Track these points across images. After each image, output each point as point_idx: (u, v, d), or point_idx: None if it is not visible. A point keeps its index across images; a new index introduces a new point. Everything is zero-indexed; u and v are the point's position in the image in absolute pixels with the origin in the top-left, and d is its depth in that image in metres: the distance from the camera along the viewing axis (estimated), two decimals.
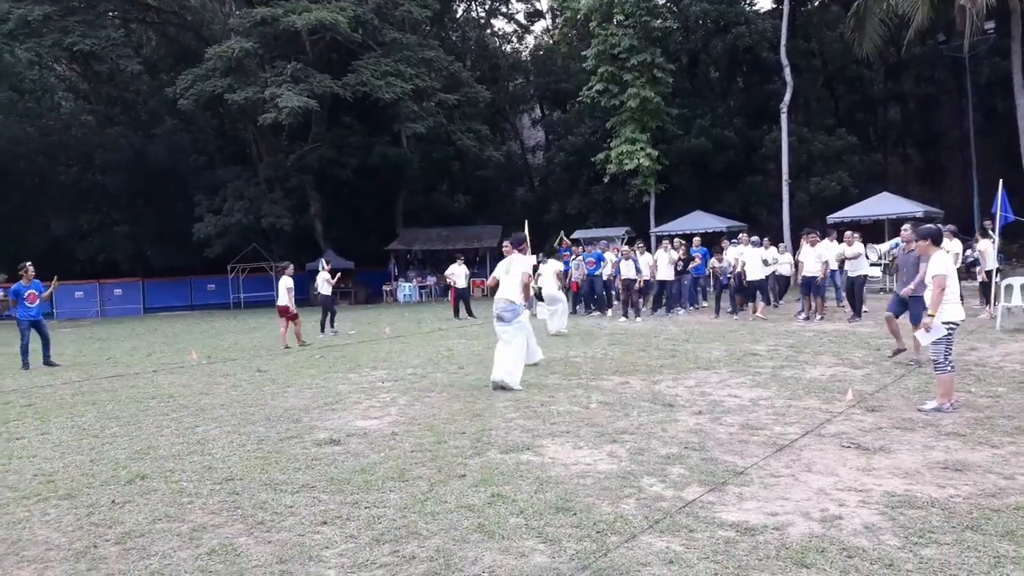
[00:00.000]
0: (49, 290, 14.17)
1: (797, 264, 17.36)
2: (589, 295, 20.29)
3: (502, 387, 8.86)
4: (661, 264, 18.48)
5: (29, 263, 13.71)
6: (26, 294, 13.30)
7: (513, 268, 9.41)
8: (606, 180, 32.28)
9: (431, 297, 33.60)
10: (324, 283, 18.37)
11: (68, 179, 37.09)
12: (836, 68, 36.33)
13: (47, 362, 13.34)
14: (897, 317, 9.81)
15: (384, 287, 35.34)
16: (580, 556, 4.03)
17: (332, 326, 18.22)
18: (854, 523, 4.39)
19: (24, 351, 13.41)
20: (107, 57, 33.37)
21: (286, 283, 15.76)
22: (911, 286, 9.31)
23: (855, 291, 15.57)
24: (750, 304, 17.31)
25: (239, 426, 7.70)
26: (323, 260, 18.67)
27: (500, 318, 9.24)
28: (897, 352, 10.05)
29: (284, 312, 15.68)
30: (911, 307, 9.49)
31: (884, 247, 16.47)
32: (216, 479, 5.75)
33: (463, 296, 21.73)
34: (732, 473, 5.40)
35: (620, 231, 30.51)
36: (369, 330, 19.02)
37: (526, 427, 7.06)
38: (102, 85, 38.05)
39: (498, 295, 9.39)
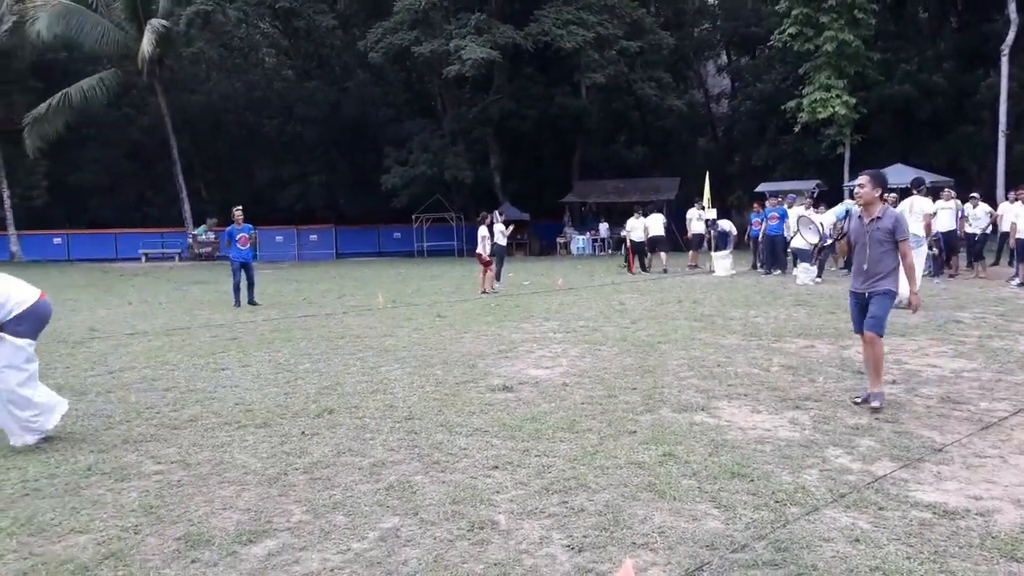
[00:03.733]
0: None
1: (1005, 224, 15.68)
2: (771, 253, 19.32)
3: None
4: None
5: (239, 207, 14.82)
6: (238, 236, 14.42)
7: (915, 208, 12.56)
8: (796, 130, 30.41)
9: (604, 250, 33.39)
10: (500, 234, 18.66)
11: (271, 131, 39.86)
12: None
13: (251, 302, 14.43)
14: None
15: (558, 239, 35.53)
16: (756, 525, 3.83)
17: (497, 279, 18.51)
18: None
19: (236, 289, 14.57)
20: (305, 13, 35.28)
21: (483, 232, 16.64)
22: None
23: None
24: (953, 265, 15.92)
25: (419, 368, 8.00)
26: (497, 212, 19.01)
27: None
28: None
29: (481, 259, 16.31)
30: None
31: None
32: (396, 418, 6.00)
33: (639, 250, 21.38)
34: (929, 450, 4.94)
35: (811, 184, 28.75)
36: (542, 281, 19.19)
37: (701, 387, 6.83)
38: (301, 41, 40.32)
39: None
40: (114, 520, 4.08)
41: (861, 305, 6.10)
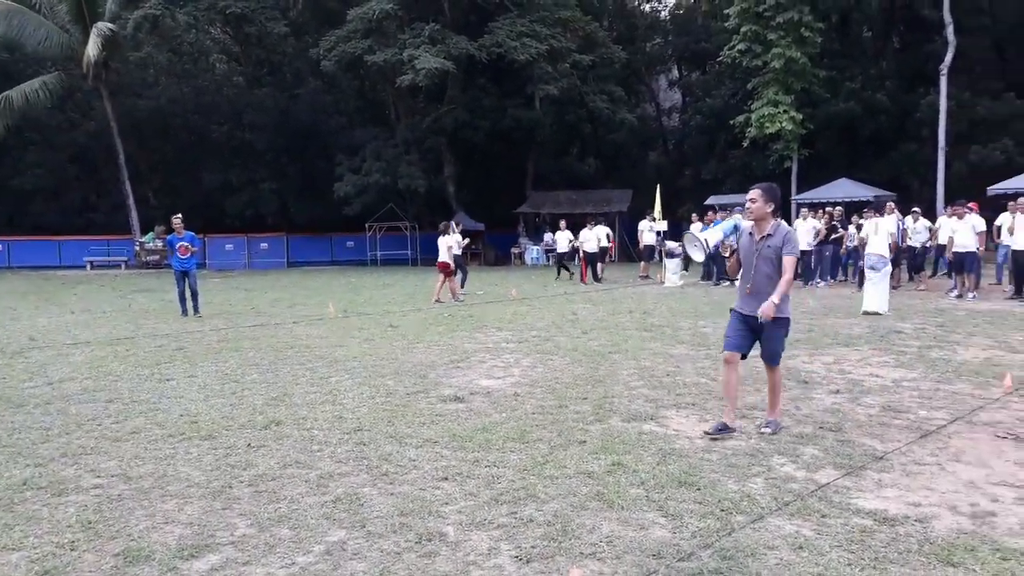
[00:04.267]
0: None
1: (942, 238, 16.22)
2: (720, 265, 19.67)
3: (874, 313, 12.26)
4: (800, 233, 17.63)
5: (178, 216, 14.54)
6: (177, 245, 14.13)
7: (880, 229, 13.43)
8: (745, 144, 31.01)
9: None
10: (456, 245, 18.66)
11: (220, 137, 39.24)
12: (1007, 27, 33.17)
13: (195, 312, 14.06)
14: None
15: (512, 249, 35.61)
16: (703, 533, 3.88)
17: (462, 287, 18.50)
18: (1009, 521, 4.01)
19: (180, 298, 14.25)
20: (256, 19, 34.87)
21: (447, 241, 16.61)
22: None
23: (1021, 267, 14.31)
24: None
25: (369, 378, 7.93)
26: (453, 222, 19.02)
27: (872, 267, 12.70)
28: None
29: (443, 268, 16.29)
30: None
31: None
32: (345, 429, 5.94)
33: (592, 260, 21.60)
34: (871, 458, 5.06)
35: None
36: (496, 291, 19.20)
37: (650, 396, 6.90)
38: (252, 47, 39.82)
39: (869, 250, 13.24)
40: (49, 536, 3.95)
41: (748, 327, 5.57)
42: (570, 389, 7.26)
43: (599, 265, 21.96)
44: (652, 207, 23.10)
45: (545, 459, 5.10)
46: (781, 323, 5.53)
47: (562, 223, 23.86)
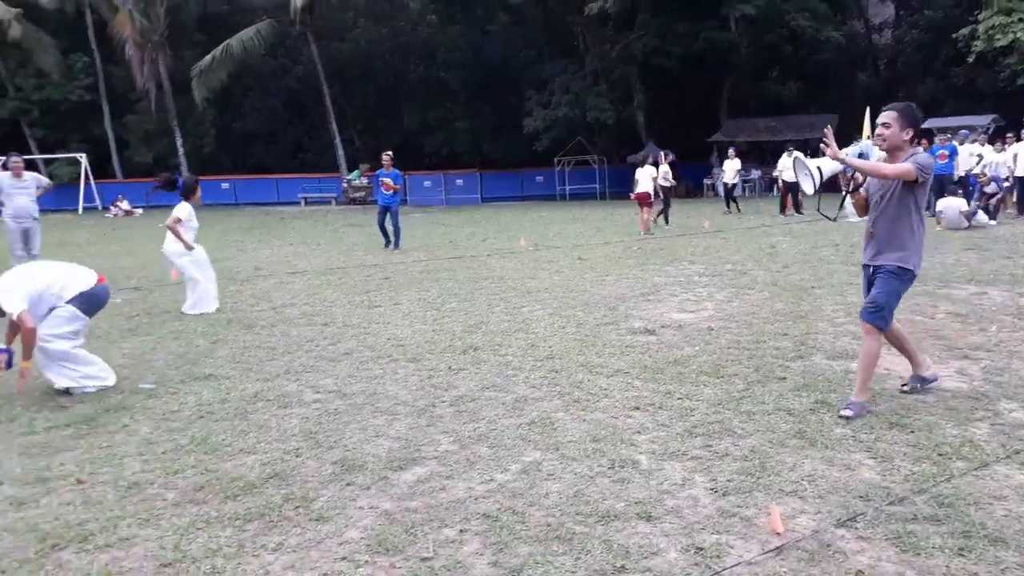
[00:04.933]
0: None
1: None
2: (939, 194, 17.89)
3: None
4: (1021, 159, 15.70)
5: (388, 153, 15.27)
6: (381, 180, 14.88)
7: None
8: (970, 60, 27.68)
9: (754, 192, 32.07)
10: (664, 176, 18.39)
11: (416, 77, 40.58)
12: None
13: (395, 247, 14.71)
14: None
15: (705, 180, 34.43)
16: (916, 478, 3.62)
17: (666, 222, 18.24)
18: None
19: (381, 228, 15.03)
20: None
21: (650, 172, 16.49)
22: None
23: None
24: None
25: (560, 309, 8.04)
26: (662, 153, 18.69)
27: None
28: None
29: (643, 199, 16.15)
30: None
31: None
32: (538, 356, 6.07)
33: (792, 190, 20.42)
34: None
35: (985, 120, 26.27)
36: (688, 223, 18.70)
37: (857, 334, 6.47)
38: None
39: None
40: (277, 443, 4.38)
41: (868, 281, 4.69)
42: (768, 324, 6.98)
43: (799, 194, 20.72)
44: (859, 133, 21.34)
45: (741, 394, 4.96)
46: (899, 273, 4.47)
47: (731, 151, 22.62)
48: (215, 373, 5.90)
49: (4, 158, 11.04)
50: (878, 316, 4.51)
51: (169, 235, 8.63)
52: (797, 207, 20.19)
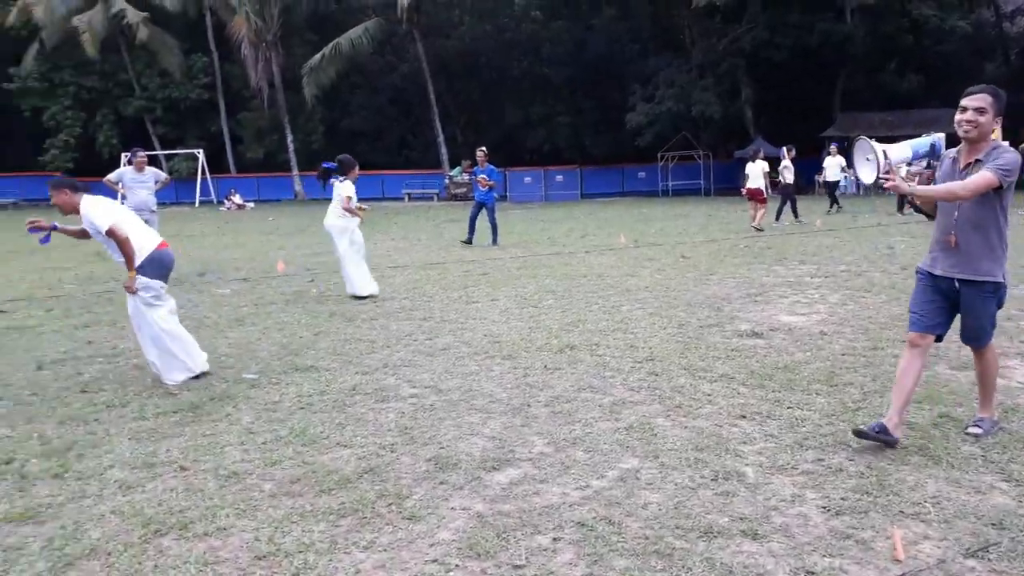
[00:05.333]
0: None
1: None
2: None
3: None
4: None
5: (482, 149, 15.29)
6: (478, 177, 14.94)
7: None
8: None
9: (868, 190, 30.55)
10: (786, 171, 17.80)
11: (519, 73, 40.65)
12: None
13: (493, 243, 14.70)
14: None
15: (816, 177, 33.08)
16: None
17: (796, 216, 17.60)
18: None
19: (470, 222, 14.96)
20: None
21: (763, 167, 16.18)
22: None
23: None
24: None
25: (660, 309, 7.81)
26: (784, 147, 18.05)
27: None
28: None
29: (756, 195, 15.82)
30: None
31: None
32: (637, 358, 5.89)
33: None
34: None
35: None
36: (798, 221, 17.97)
37: None
38: None
39: None
40: (373, 437, 4.37)
41: (941, 294, 4.02)
42: (886, 330, 6.56)
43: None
44: None
45: (857, 405, 4.64)
46: (988, 288, 3.91)
47: (833, 147, 21.46)
48: (316, 365, 5.99)
49: (129, 153, 11.60)
50: (983, 337, 4.04)
51: (332, 211, 9.05)
52: (914, 206, 19.03)
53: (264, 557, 3.08)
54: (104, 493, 3.70)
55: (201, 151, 36.10)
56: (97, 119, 37.27)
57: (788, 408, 4.63)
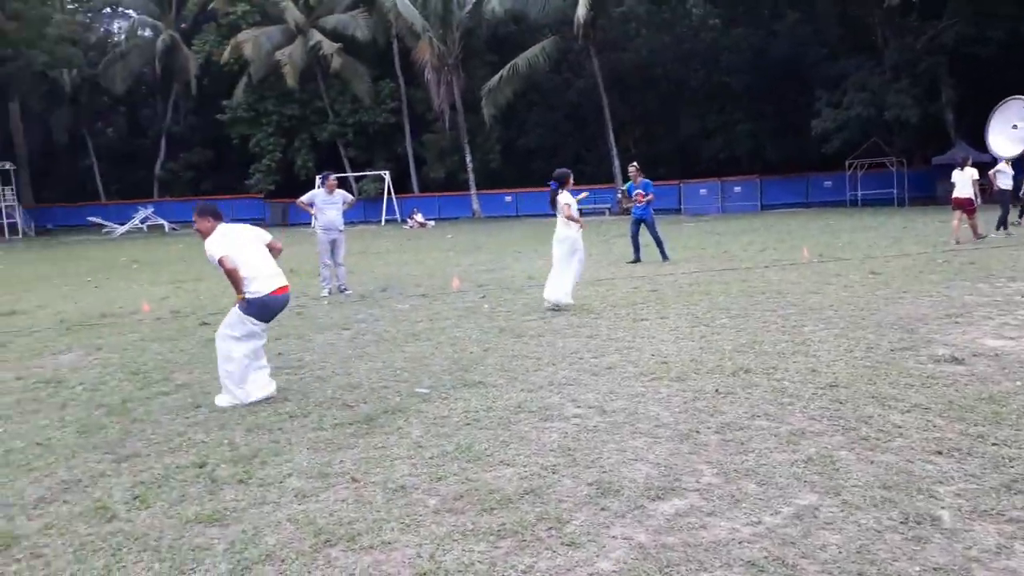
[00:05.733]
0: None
1: None
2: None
3: None
4: None
5: (634, 164, 15.00)
6: (634, 193, 14.69)
7: None
8: None
9: None
10: (1000, 175, 16.30)
11: (696, 82, 39.79)
12: None
13: (664, 257, 14.32)
14: None
15: None
16: None
17: (1005, 227, 16.10)
18: None
19: (632, 241, 14.63)
20: None
21: (971, 174, 14.85)
22: None
23: None
24: None
25: (847, 330, 7.28)
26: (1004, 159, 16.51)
27: None
28: None
29: (963, 204, 14.60)
30: None
31: None
32: (819, 383, 5.50)
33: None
34: None
35: None
36: (1016, 233, 16.28)
37: None
38: None
39: None
40: (536, 457, 4.34)
41: None
42: None
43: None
44: None
45: None
46: None
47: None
48: (484, 380, 6.07)
49: (321, 176, 12.39)
50: None
51: (560, 220, 9.49)
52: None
53: (425, 574, 3.11)
54: (282, 500, 3.92)
55: (387, 172, 38.12)
56: (295, 144, 40.36)
57: (993, 445, 4.13)
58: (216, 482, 4.20)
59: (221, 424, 5.26)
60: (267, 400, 5.77)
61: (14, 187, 38.78)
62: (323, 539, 3.46)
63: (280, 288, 5.82)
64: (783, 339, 7.04)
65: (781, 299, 9.28)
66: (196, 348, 8.06)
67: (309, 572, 3.18)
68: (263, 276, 5.75)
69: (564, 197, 9.56)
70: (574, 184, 10.06)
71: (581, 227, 9.54)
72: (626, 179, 36.30)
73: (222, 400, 5.75)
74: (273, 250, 6.04)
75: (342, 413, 5.38)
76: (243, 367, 5.71)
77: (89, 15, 49.35)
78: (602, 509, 3.64)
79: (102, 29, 50.06)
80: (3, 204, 37.71)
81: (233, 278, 5.65)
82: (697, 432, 4.63)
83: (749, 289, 10.22)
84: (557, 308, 9.21)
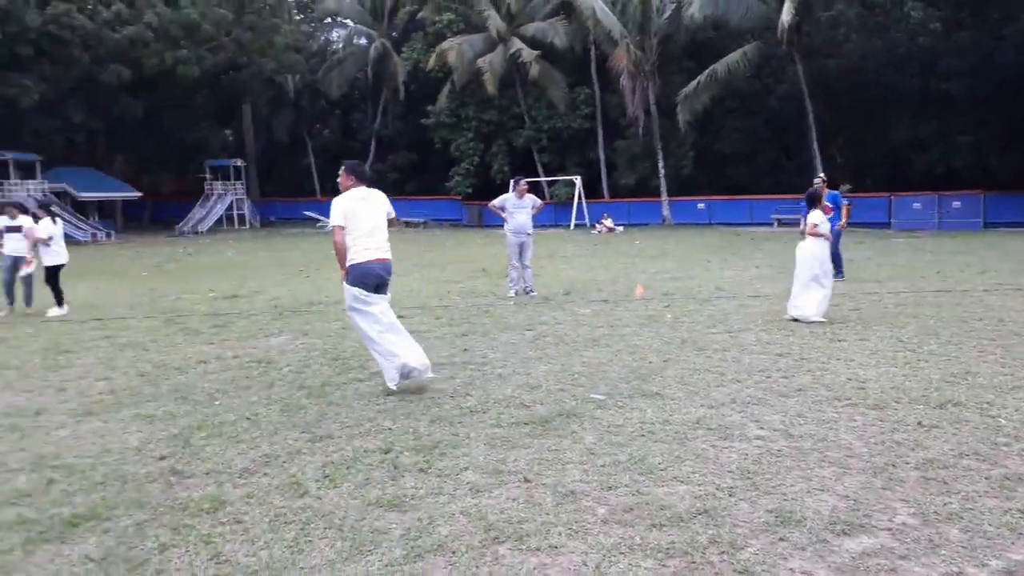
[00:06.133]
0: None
1: None
2: None
3: None
4: None
5: (819, 176, 14.14)
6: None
7: None
8: None
9: None
10: None
11: (910, 89, 36.86)
12: None
13: (837, 274, 13.48)
14: None
15: None
16: None
17: None
18: None
19: (832, 259, 13.71)
20: None
21: None
22: None
23: None
24: None
25: None
26: None
27: None
28: None
29: None
30: None
31: None
32: None
33: None
34: None
35: None
36: None
37: None
38: None
39: None
40: (712, 477, 4.18)
41: None
42: None
43: None
44: None
45: None
46: None
47: None
48: (662, 392, 5.94)
49: (513, 181, 12.68)
50: None
51: (808, 238, 9.40)
52: None
53: None
54: (457, 493, 4.03)
55: (579, 178, 38.40)
56: (493, 149, 41.64)
57: None
58: (398, 468, 4.40)
59: (407, 413, 5.51)
60: (418, 373, 6.04)
61: (244, 182, 43.06)
62: (492, 535, 3.52)
63: (378, 258, 6.06)
64: (1002, 372, 6.34)
65: (1002, 327, 8.36)
66: None
67: (477, 567, 3.24)
68: (364, 247, 6.00)
69: (813, 216, 9.46)
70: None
71: (826, 239, 9.43)
72: (831, 189, 34.33)
73: (387, 381, 6.07)
74: (390, 223, 6.30)
75: (519, 412, 5.46)
76: (378, 335, 5.98)
77: (312, 24, 53.55)
78: (781, 539, 3.44)
79: (323, 38, 54.10)
80: (234, 197, 41.93)
81: (337, 251, 6.02)
82: (894, 466, 4.26)
83: (964, 314, 9.30)
84: (799, 321, 9.08)
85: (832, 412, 5.33)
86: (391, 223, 6.26)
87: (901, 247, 21.30)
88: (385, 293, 6.15)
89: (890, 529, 3.50)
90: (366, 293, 5.97)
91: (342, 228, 5.95)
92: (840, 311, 9.81)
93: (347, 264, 5.99)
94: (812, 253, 9.24)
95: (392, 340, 6.01)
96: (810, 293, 9.21)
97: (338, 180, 6.25)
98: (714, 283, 13.21)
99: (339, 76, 46.18)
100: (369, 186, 6.28)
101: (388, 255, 6.13)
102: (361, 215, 6.02)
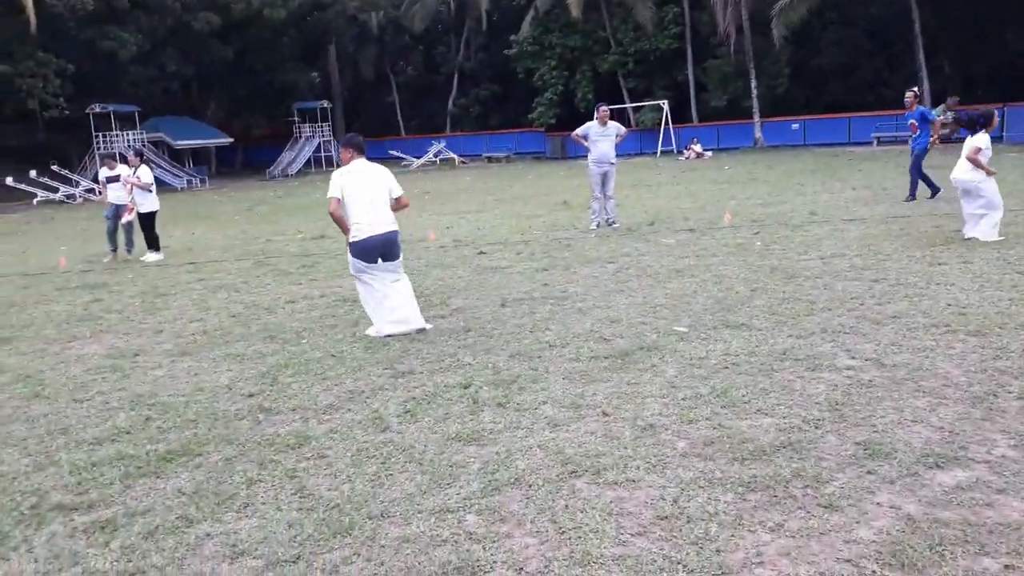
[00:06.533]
0: None
1: None
2: None
3: None
4: None
5: (912, 90, 13.29)
6: (908, 123, 13.05)
7: None
8: None
9: None
10: None
11: None
12: None
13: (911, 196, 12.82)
14: None
15: None
16: None
17: None
18: None
19: (917, 176, 13.02)
20: None
21: None
22: None
23: None
24: None
25: None
26: None
27: None
28: None
29: None
30: None
31: None
32: None
33: None
34: None
35: None
36: None
37: None
38: None
39: None
40: (798, 409, 4.06)
41: None
42: None
43: None
44: None
45: None
46: None
47: None
48: (748, 323, 5.78)
49: (596, 108, 12.29)
50: None
51: (963, 164, 8.73)
52: None
53: (666, 518, 3.06)
54: (534, 427, 4.05)
55: (666, 102, 37.24)
56: (577, 76, 40.71)
57: None
58: (477, 403, 4.45)
59: (487, 349, 5.56)
60: (404, 336, 6.02)
61: (331, 123, 43.66)
62: (569, 469, 3.53)
63: (376, 233, 6.02)
64: None
65: None
66: (472, 275, 8.57)
67: (553, 500, 3.26)
68: (364, 223, 6.00)
69: (977, 140, 8.58)
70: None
71: (989, 174, 8.53)
72: (936, 102, 32.31)
73: (370, 330, 6.20)
74: (400, 204, 6.25)
75: (598, 346, 5.42)
76: (374, 301, 6.13)
77: None
78: (868, 472, 3.32)
79: None
80: (322, 139, 42.62)
81: (335, 220, 6.07)
82: (995, 396, 4.04)
83: None
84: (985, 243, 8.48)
85: (929, 340, 5.07)
86: (399, 202, 6.26)
87: (1014, 162, 19.88)
88: (394, 260, 6.17)
89: (988, 462, 3.33)
90: (367, 264, 6.06)
91: (339, 200, 6.02)
92: (942, 233, 9.27)
93: (348, 240, 6.11)
94: (970, 180, 8.55)
95: (383, 311, 6.17)
96: (992, 216, 8.60)
97: (341, 159, 6.35)
98: (807, 208, 12.68)
99: (422, 9, 45.77)
100: (369, 160, 6.34)
101: (389, 227, 6.12)
102: (358, 188, 6.08)
